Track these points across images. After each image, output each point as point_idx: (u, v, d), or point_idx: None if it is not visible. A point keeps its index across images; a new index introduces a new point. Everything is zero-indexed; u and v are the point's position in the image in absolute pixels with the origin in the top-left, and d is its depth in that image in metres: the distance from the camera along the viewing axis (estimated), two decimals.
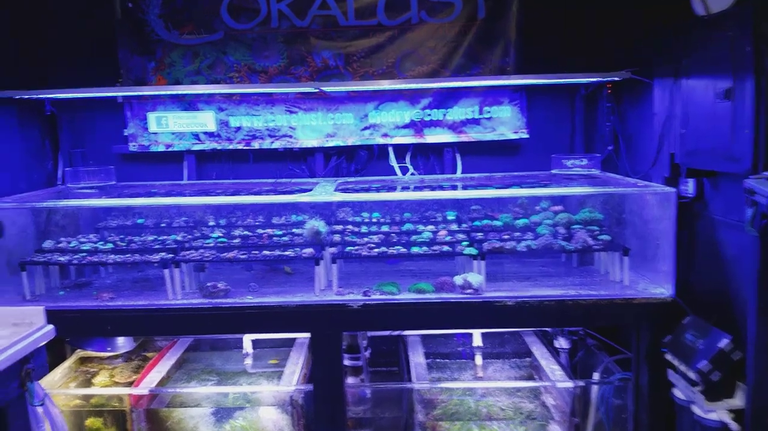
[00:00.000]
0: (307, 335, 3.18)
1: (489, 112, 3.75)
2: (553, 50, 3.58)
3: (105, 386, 3.05)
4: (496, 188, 3.33)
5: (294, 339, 3.32)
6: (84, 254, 3.00)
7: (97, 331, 2.99)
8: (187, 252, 2.95)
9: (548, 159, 3.59)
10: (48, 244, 3.11)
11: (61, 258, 2.97)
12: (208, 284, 2.86)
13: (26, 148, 3.64)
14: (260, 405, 2.86)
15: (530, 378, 3.23)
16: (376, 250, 2.92)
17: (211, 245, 3.04)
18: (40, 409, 2.14)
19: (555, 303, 2.70)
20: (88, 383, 3.10)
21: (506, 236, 3.01)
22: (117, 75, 3.74)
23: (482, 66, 3.67)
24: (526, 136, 3.76)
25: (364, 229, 3.18)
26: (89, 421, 2.92)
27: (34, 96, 3.48)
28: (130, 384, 2.97)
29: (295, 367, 3.01)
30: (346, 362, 2.95)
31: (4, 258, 2.96)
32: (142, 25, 3.73)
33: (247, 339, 3.32)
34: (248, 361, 3.32)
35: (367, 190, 3.39)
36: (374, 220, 3.31)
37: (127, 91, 3.69)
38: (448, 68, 3.67)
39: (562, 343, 3.25)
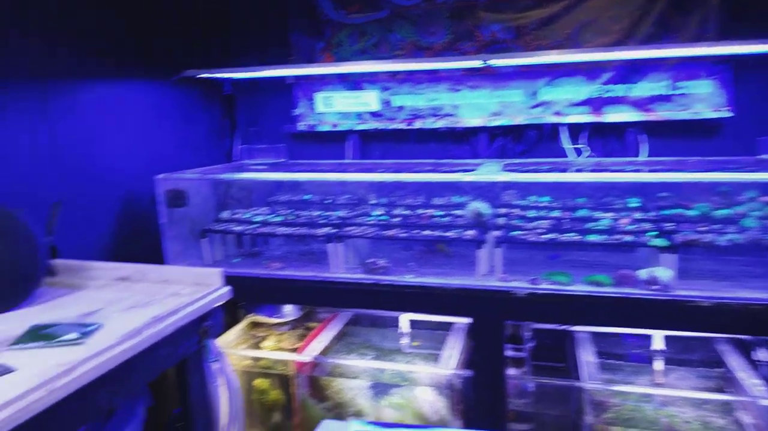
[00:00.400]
0: (465, 320, 3.08)
1: (683, 87, 3.28)
2: (766, 14, 3.04)
3: (272, 350, 3.20)
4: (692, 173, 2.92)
5: (451, 324, 3.22)
6: (257, 225, 3.17)
7: (267, 298, 3.16)
8: (350, 228, 2.97)
9: (755, 143, 3.06)
10: (225, 214, 3.33)
11: (236, 228, 3.16)
12: (369, 260, 2.87)
13: (208, 125, 3.96)
14: (416, 384, 2.81)
15: (720, 390, 2.80)
16: (545, 236, 2.70)
17: (372, 222, 3.04)
18: (215, 365, 2.26)
19: (764, 308, 2.29)
20: (257, 346, 3.29)
21: (703, 228, 2.62)
22: (289, 56, 3.90)
23: (675, 35, 3.22)
24: (729, 115, 3.23)
25: (531, 213, 2.96)
26: (257, 382, 3.10)
27: (216, 75, 3.73)
28: (294, 351, 3.09)
29: (453, 352, 2.91)
30: (508, 352, 2.79)
31: (188, 226, 3.23)
32: (312, 6, 3.82)
33: (405, 319, 3.29)
34: (404, 341, 3.30)
35: (536, 172, 3.15)
36: (543, 204, 3.07)
37: (295, 68, 3.81)
38: (634, 39, 3.28)
39: (764, 355, 2.77)
